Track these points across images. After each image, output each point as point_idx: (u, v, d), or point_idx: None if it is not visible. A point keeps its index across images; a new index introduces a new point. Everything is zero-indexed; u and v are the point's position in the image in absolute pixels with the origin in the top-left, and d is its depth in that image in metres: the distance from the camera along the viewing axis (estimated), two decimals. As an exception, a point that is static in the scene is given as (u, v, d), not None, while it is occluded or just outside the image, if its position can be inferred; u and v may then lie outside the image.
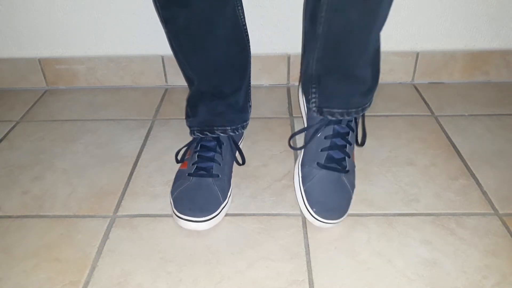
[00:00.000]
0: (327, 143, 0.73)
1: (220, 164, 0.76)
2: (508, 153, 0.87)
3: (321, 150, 0.73)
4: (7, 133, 0.98)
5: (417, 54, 1.09)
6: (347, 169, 0.73)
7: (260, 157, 0.88)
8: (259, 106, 1.05)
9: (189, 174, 0.74)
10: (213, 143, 0.77)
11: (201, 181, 0.73)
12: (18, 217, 0.75)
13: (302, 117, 0.83)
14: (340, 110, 0.72)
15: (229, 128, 0.78)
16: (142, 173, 0.84)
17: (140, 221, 0.73)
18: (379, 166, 0.84)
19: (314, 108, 0.74)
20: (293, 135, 0.78)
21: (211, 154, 0.76)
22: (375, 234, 0.70)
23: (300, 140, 0.76)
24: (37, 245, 0.69)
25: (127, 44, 1.10)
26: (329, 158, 0.73)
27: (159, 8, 0.68)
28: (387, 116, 1.00)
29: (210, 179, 0.74)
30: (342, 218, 0.70)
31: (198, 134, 0.78)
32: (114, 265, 0.66)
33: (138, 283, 0.63)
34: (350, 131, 0.74)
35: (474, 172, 0.82)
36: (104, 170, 0.85)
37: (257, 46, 1.09)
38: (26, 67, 1.13)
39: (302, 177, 0.74)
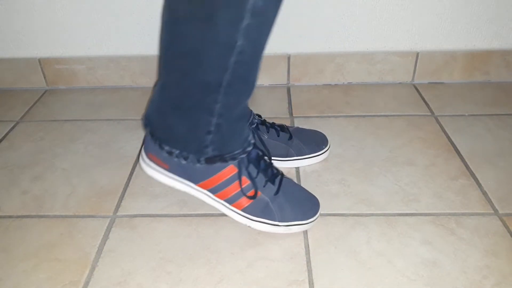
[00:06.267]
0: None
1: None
2: (508, 153, 0.87)
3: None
4: (7, 133, 0.98)
5: (417, 54, 1.09)
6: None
7: (260, 157, 0.88)
8: (259, 106, 1.05)
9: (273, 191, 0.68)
10: (254, 153, 0.68)
11: (288, 188, 0.70)
12: (18, 217, 0.75)
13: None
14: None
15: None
16: (142, 173, 0.84)
17: (140, 221, 0.73)
18: (379, 166, 0.84)
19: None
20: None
21: (263, 163, 0.69)
22: (375, 234, 0.70)
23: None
24: (37, 245, 0.69)
25: (127, 44, 1.10)
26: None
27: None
28: (387, 116, 1.00)
29: (286, 179, 0.71)
30: None
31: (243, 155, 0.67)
32: (114, 265, 0.66)
33: (138, 283, 0.63)
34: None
35: (474, 172, 0.82)
36: (104, 170, 0.85)
37: (257, 46, 1.09)
38: (26, 67, 1.13)
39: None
